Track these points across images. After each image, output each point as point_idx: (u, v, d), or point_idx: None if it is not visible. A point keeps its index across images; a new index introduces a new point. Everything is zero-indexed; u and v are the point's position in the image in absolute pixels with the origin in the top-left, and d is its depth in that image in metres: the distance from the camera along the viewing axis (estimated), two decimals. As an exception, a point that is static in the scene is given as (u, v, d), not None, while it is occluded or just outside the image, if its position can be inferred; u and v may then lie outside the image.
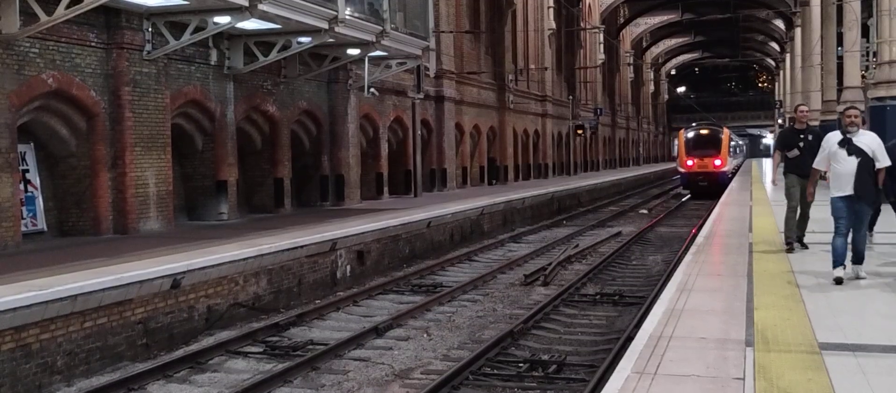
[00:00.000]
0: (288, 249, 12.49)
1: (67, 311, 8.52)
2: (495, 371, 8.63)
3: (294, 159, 19.84)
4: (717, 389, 5.24)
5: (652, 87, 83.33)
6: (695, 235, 16.26)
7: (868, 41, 25.92)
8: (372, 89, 20.92)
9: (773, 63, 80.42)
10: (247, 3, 13.37)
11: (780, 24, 61.23)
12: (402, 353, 9.59)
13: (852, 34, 24.87)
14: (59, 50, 12.92)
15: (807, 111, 12.43)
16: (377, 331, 10.46)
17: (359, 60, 19.86)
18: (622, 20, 64.46)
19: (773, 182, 12.30)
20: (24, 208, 13.05)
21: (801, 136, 11.36)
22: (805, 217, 11.46)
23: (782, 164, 11.66)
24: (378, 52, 19.68)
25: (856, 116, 9.02)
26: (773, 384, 5.25)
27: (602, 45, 53.61)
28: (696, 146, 37.15)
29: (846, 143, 8.87)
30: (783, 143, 11.78)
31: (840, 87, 27.31)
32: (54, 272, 9.34)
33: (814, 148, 9.97)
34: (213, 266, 10.79)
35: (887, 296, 8.19)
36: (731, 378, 5.43)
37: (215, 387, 8.45)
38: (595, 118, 50.57)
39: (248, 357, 9.59)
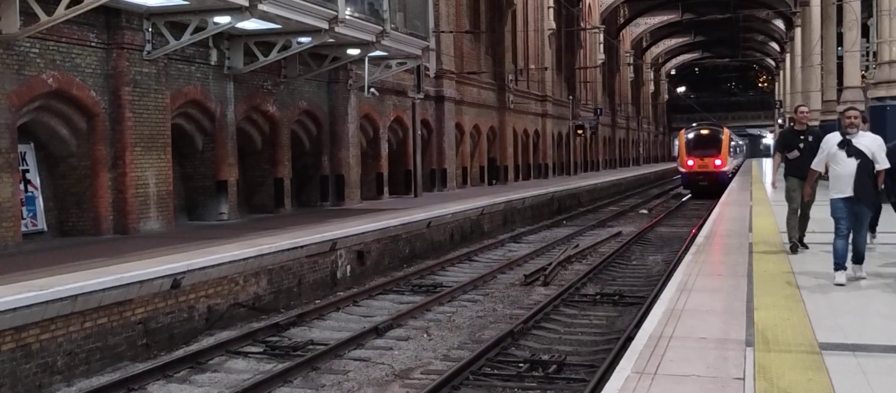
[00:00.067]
0: (288, 249, 12.49)
1: (67, 311, 8.52)
2: (495, 371, 8.63)
3: (294, 159, 19.84)
4: (718, 389, 5.24)
5: (652, 87, 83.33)
6: (695, 235, 16.26)
7: (868, 41, 25.90)
8: (372, 89, 20.92)
9: (773, 63, 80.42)
10: (247, 3, 13.37)
11: (780, 24, 61.23)
12: (403, 353, 9.59)
13: (852, 34, 24.87)
14: (59, 50, 12.92)
15: (807, 112, 12.40)
16: (377, 331, 10.47)
17: (359, 60, 19.87)
18: (622, 20, 64.47)
19: (774, 185, 12.15)
20: (24, 208, 13.05)
21: (801, 137, 11.30)
22: (805, 217, 11.43)
23: (782, 166, 11.61)
24: (378, 52, 19.68)
25: (856, 117, 8.99)
26: (774, 384, 5.25)
27: (602, 45, 53.61)
28: (696, 146, 37.35)
29: (846, 145, 8.84)
30: (783, 144, 11.71)
31: (840, 87, 27.31)
32: (54, 272, 9.34)
33: (814, 149, 9.93)
34: (213, 266, 10.79)
35: (888, 296, 8.19)
36: (731, 378, 5.43)
37: (215, 387, 8.45)
38: (595, 118, 50.57)
39: (248, 357, 9.59)
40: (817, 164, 9.38)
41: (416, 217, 17.58)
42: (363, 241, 14.93)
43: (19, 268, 9.79)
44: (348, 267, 14.36)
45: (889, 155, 9.22)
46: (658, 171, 58.79)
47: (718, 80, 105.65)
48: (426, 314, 11.75)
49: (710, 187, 34.73)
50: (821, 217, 11.47)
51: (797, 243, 11.22)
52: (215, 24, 14.17)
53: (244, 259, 11.44)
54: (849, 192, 8.75)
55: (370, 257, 15.21)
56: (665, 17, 67.18)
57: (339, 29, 16.13)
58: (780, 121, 57.15)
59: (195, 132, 16.81)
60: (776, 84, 77.34)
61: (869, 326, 6.95)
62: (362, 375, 8.67)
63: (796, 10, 43.25)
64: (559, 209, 29.37)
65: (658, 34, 74.54)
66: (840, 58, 28.98)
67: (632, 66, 68.90)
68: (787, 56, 54.70)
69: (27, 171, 13.37)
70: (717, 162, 36.57)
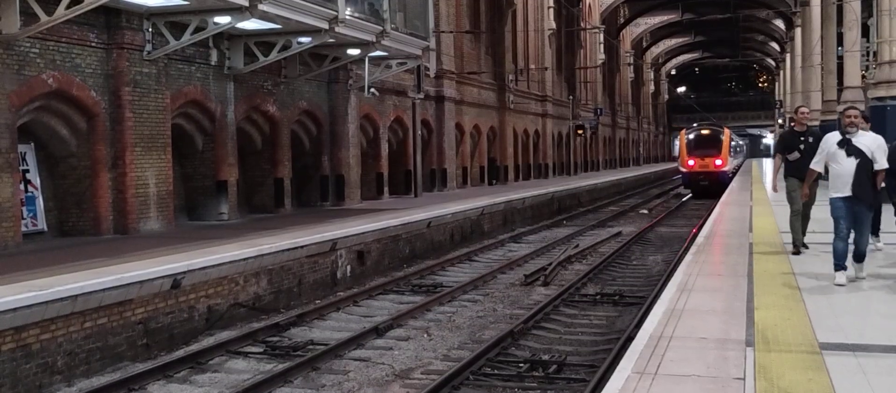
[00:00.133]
0: (288, 250, 12.49)
1: (68, 311, 8.52)
2: (496, 371, 8.63)
3: (294, 159, 19.84)
4: (718, 389, 5.24)
5: (652, 87, 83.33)
6: (695, 235, 16.26)
7: (868, 41, 25.91)
8: (372, 89, 20.92)
9: (773, 63, 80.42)
10: (247, 4, 13.37)
11: (780, 24, 61.24)
12: (403, 353, 9.59)
13: (852, 34, 24.86)
14: (59, 50, 12.92)
15: (807, 113, 12.34)
16: (377, 331, 10.46)
17: (359, 60, 19.87)
18: (622, 20, 64.47)
19: (774, 189, 12.09)
20: (24, 208, 13.05)
21: (802, 138, 11.25)
22: (805, 218, 11.38)
23: (782, 168, 11.56)
24: (378, 53, 19.69)
25: (855, 117, 8.94)
26: (774, 384, 5.25)
27: (602, 45, 53.61)
28: (697, 146, 37.58)
29: (845, 144, 8.80)
30: (783, 146, 11.67)
31: (840, 87, 27.31)
32: (55, 272, 9.34)
33: (814, 150, 9.85)
34: (213, 266, 10.79)
35: (888, 296, 8.19)
36: (731, 378, 5.43)
37: (216, 387, 8.45)
38: (595, 118, 50.58)
39: (248, 357, 9.59)
40: (816, 164, 9.32)
41: (416, 217, 17.58)
42: (363, 241, 14.93)
43: (19, 268, 9.79)
44: (348, 267, 14.36)
45: (890, 155, 9.19)
46: (658, 171, 58.78)
47: (718, 80, 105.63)
48: (426, 314, 11.75)
49: (711, 187, 34.91)
50: (821, 217, 11.47)
51: (800, 245, 11.16)
52: (215, 24, 14.16)
53: (244, 259, 11.44)
54: (847, 192, 8.71)
55: (370, 257, 15.21)
56: (665, 17, 67.18)
57: (339, 29, 16.13)
58: (780, 121, 57.16)
59: (195, 132, 16.81)
60: (776, 84, 77.36)
61: (869, 326, 6.95)
62: (362, 375, 8.67)
63: (796, 10, 43.27)
64: (559, 209, 29.37)
65: (658, 34, 74.54)
66: (840, 58, 28.99)
67: (632, 66, 68.89)
68: (788, 56, 54.72)
69: (27, 171, 13.37)
70: (718, 162, 36.81)
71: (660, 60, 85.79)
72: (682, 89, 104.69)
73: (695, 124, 44.28)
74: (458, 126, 29.89)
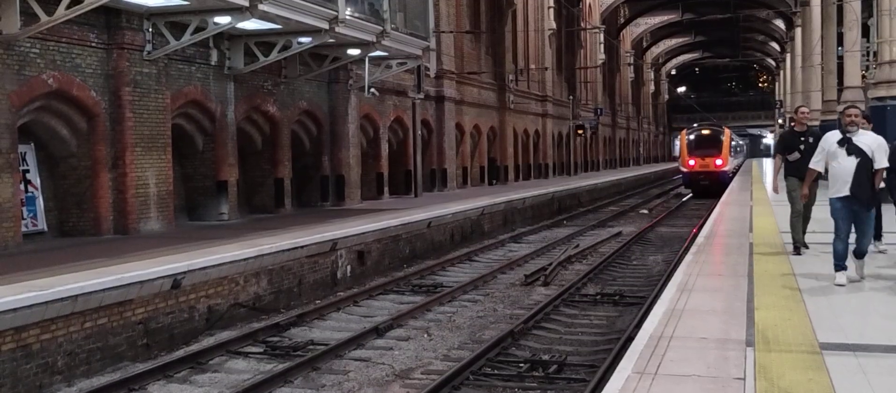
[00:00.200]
0: (288, 250, 12.49)
1: (68, 311, 8.52)
2: (496, 371, 8.63)
3: (294, 159, 19.84)
4: (718, 389, 5.24)
5: (652, 87, 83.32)
6: (695, 235, 16.26)
7: (868, 41, 25.91)
8: (372, 89, 20.92)
9: (773, 63, 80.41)
10: (247, 4, 13.37)
11: (780, 24, 61.23)
12: (403, 353, 9.59)
13: (852, 34, 24.85)
14: (59, 50, 12.93)
15: (807, 113, 12.30)
16: (378, 331, 10.46)
17: (359, 60, 19.87)
18: (622, 20, 64.46)
19: (775, 190, 12.02)
20: (24, 209, 13.05)
21: (802, 138, 11.20)
22: (806, 217, 11.33)
23: (782, 168, 11.53)
24: (378, 53, 19.69)
25: (856, 115, 8.89)
26: (774, 384, 5.25)
27: (602, 45, 53.61)
28: (697, 146, 37.85)
29: (846, 143, 8.75)
30: (783, 146, 11.62)
31: (840, 87, 27.30)
32: (55, 272, 9.34)
33: (814, 150, 9.83)
34: (213, 266, 10.79)
35: (888, 297, 8.18)
36: (731, 378, 5.43)
37: (216, 387, 8.45)
38: (595, 118, 50.59)
39: (248, 357, 9.59)
40: (816, 163, 9.22)
41: (416, 217, 17.58)
42: (363, 241, 14.93)
43: (20, 268, 9.79)
44: (349, 267, 14.37)
45: (891, 155, 9.15)
46: (658, 171, 58.79)
47: (719, 80, 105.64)
48: (426, 314, 11.75)
49: (711, 187, 35.10)
50: (821, 217, 11.44)
51: (800, 245, 11.14)
52: (215, 24, 14.17)
53: (244, 259, 11.44)
54: (845, 192, 8.67)
55: (370, 257, 15.21)
56: (665, 17, 67.17)
57: (339, 29, 16.13)
58: (780, 121, 57.16)
59: (195, 132, 16.81)
60: (776, 84, 77.34)
61: (869, 326, 6.95)
62: (363, 376, 8.67)
63: (796, 10, 43.27)
64: (559, 209, 29.37)
65: (658, 34, 74.53)
66: (840, 58, 28.98)
67: (632, 66, 68.89)
68: (788, 56, 54.71)
69: (27, 171, 13.37)
70: (718, 162, 37.08)
71: (660, 60, 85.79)
72: (682, 89, 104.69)
73: (695, 124, 44.68)
74: (458, 126, 29.89)
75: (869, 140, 8.78)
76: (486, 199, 23.40)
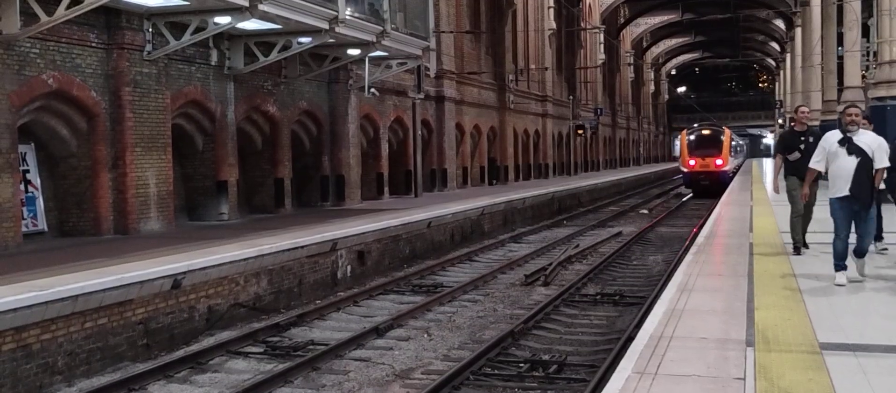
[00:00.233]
0: (288, 250, 12.49)
1: (68, 311, 8.52)
2: (496, 371, 8.63)
3: (294, 160, 19.84)
4: (718, 389, 5.24)
5: (652, 87, 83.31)
6: (695, 235, 16.26)
7: (868, 41, 25.91)
8: (372, 89, 20.92)
9: (773, 63, 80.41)
10: (247, 4, 13.37)
11: (780, 24, 61.22)
12: (403, 353, 9.59)
13: (852, 34, 24.86)
14: (59, 50, 12.93)
15: (807, 112, 12.27)
16: (378, 331, 10.46)
17: (359, 61, 19.87)
18: (622, 20, 64.46)
19: (776, 189, 11.93)
20: (24, 209, 13.05)
21: (802, 138, 11.16)
22: (807, 217, 11.27)
23: (783, 167, 11.50)
24: (378, 53, 19.69)
25: (856, 115, 8.87)
26: (774, 384, 5.25)
27: (602, 45, 53.61)
28: (698, 146, 38.19)
29: (846, 142, 8.73)
30: (784, 146, 11.58)
31: (840, 87, 27.31)
32: (55, 273, 9.34)
33: (815, 149, 9.80)
34: (213, 266, 10.79)
35: (889, 297, 8.18)
36: (731, 378, 5.43)
37: (216, 387, 8.45)
38: (595, 118, 50.61)
39: (248, 357, 9.59)
40: (817, 163, 9.15)
41: (416, 217, 17.58)
42: (364, 241, 14.93)
43: (20, 268, 9.79)
44: (349, 267, 14.37)
45: (892, 154, 9.14)
46: (658, 171, 58.81)
47: (719, 80, 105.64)
48: (427, 314, 11.75)
49: (712, 187, 35.35)
50: (821, 217, 11.43)
51: (800, 245, 11.12)
52: (215, 24, 14.17)
53: (245, 259, 11.44)
54: (845, 192, 8.67)
55: (371, 257, 15.21)
56: (665, 17, 67.17)
57: (339, 29, 16.13)
58: (780, 121, 57.17)
59: (195, 132, 16.81)
60: (776, 84, 77.35)
61: (870, 326, 6.95)
62: (363, 376, 8.67)
63: (796, 10, 43.27)
64: (559, 209, 29.37)
65: (658, 34, 74.53)
66: (840, 58, 28.99)
67: (632, 66, 68.89)
68: (788, 56, 54.71)
69: (27, 171, 13.37)
70: (718, 162, 37.41)
71: (660, 60, 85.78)
72: (682, 89, 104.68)
73: (695, 125, 45.15)
74: (458, 126, 29.89)
75: (869, 140, 8.77)
76: (486, 199, 23.40)
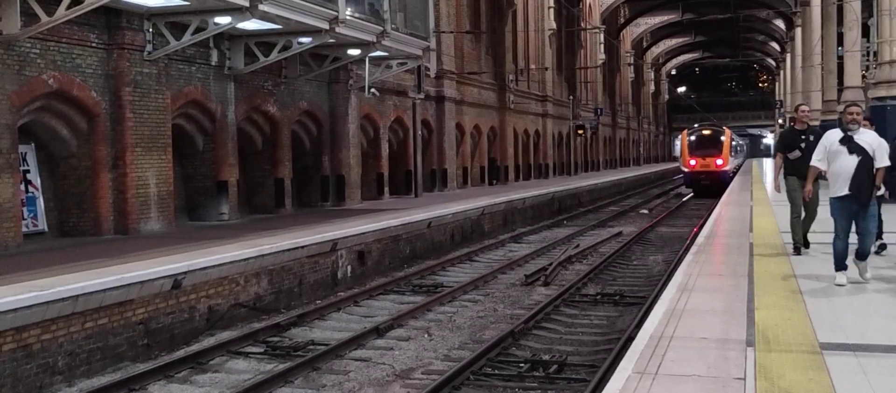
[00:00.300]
0: (289, 250, 12.49)
1: (68, 311, 8.53)
2: (496, 371, 8.63)
3: (295, 160, 19.84)
4: (718, 389, 5.24)
5: (652, 87, 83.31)
6: (696, 235, 16.26)
7: (868, 41, 25.92)
8: (372, 90, 20.93)
9: (773, 63, 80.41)
10: (247, 4, 13.37)
11: (780, 24, 61.24)
12: (403, 353, 9.59)
13: (853, 34, 24.87)
14: (59, 50, 12.93)
15: (808, 111, 12.23)
16: (378, 331, 10.46)
17: (359, 61, 19.87)
18: (622, 20, 64.46)
19: (776, 188, 11.77)
20: (24, 209, 13.05)
21: (803, 136, 11.08)
22: (810, 217, 11.20)
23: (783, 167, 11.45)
24: (379, 53, 19.69)
25: (857, 114, 8.84)
26: (775, 384, 5.25)
27: (602, 46, 53.62)
28: (698, 146, 38.54)
29: (847, 141, 8.71)
30: (784, 144, 11.49)
31: (840, 86, 27.33)
32: (55, 273, 9.34)
33: (815, 148, 9.76)
34: (214, 266, 10.79)
35: (889, 297, 8.17)
36: (732, 378, 5.43)
37: (216, 387, 8.45)
38: (595, 118, 50.62)
39: (249, 357, 9.59)
40: (818, 161, 9.08)
41: (416, 217, 17.58)
42: (364, 241, 14.93)
43: (20, 268, 9.79)
44: (349, 267, 14.37)
45: (892, 153, 9.12)
46: (658, 171, 58.82)
47: (719, 80, 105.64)
48: (427, 314, 11.76)
49: (712, 186, 35.62)
50: (821, 217, 11.42)
51: (800, 245, 11.10)
52: (216, 24, 14.17)
53: (245, 259, 11.44)
54: (845, 191, 8.66)
55: (371, 257, 15.21)
56: (665, 17, 67.17)
57: (339, 29, 16.14)
58: (780, 121, 57.18)
59: (196, 132, 16.81)
60: (777, 84, 77.35)
61: (870, 326, 6.95)
62: (363, 376, 8.67)
63: (797, 10, 43.30)
64: (560, 209, 29.37)
65: (658, 34, 74.53)
66: (840, 57, 29.02)
67: (632, 66, 68.90)
68: (788, 56, 54.73)
69: (28, 171, 13.37)
70: (719, 162, 37.78)
71: (660, 60, 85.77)
72: (682, 89, 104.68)
73: (696, 125, 45.69)
74: (458, 126, 29.89)
75: (870, 139, 8.75)
76: (486, 199, 23.40)
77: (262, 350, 9.84)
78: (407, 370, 8.89)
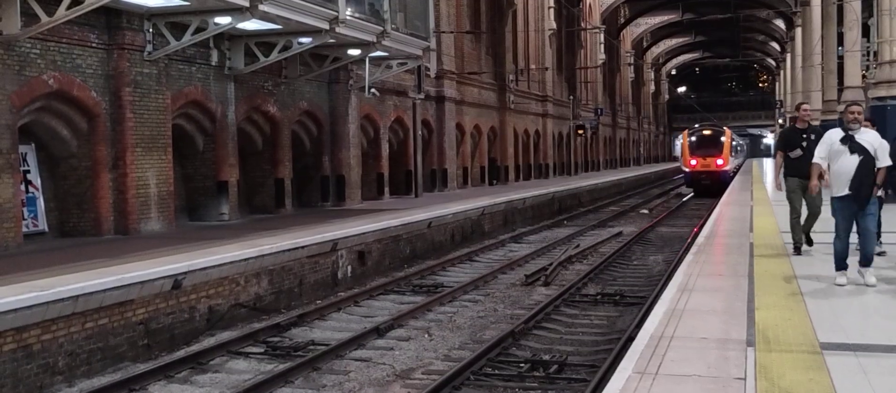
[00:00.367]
0: (289, 250, 12.49)
1: (69, 311, 8.53)
2: (496, 371, 8.63)
3: (295, 160, 19.84)
4: (719, 389, 5.24)
5: (652, 87, 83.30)
6: (696, 235, 16.26)
7: (869, 41, 25.91)
8: (373, 90, 20.93)
9: (773, 63, 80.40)
10: (247, 4, 13.37)
11: (780, 23, 61.22)
12: (404, 353, 9.59)
13: (853, 34, 24.87)
14: (60, 51, 12.93)
15: (810, 110, 12.15)
16: (378, 331, 10.47)
17: (359, 61, 19.87)
18: (622, 20, 64.44)
19: (778, 187, 11.57)
20: (25, 209, 13.05)
21: (804, 135, 11.01)
22: (813, 215, 11.11)
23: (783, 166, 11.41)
24: (379, 53, 19.69)
25: (858, 113, 8.84)
26: (775, 384, 5.25)
27: (602, 46, 53.61)
28: (699, 146, 38.93)
29: (848, 141, 8.70)
30: (785, 143, 11.40)
31: (841, 86, 27.33)
32: (56, 273, 9.34)
33: (816, 147, 9.71)
34: (214, 267, 10.79)
35: (889, 297, 8.17)
36: (732, 378, 5.43)
37: (216, 387, 8.46)
38: (595, 118, 50.63)
39: (249, 357, 9.59)
40: (821, 158, 9.02)
41: (416, 217, 17.58)
42: (364, 241, 14.93)
43: (20, 268, 9.79)
44: (349, 267, 14.37)
45: (892, 152, 9.12)
46: (659, 171, 58.82)
47: (719, 80, 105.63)
48: (427, 314, 11.76)
49: (712, 186, 35.90)
50: (823, 216, 11.41)
51: (801, 245, 11.08)
52: (216, 24, 14.17)
53: (245, 259, 11.44)
54: (845, 191, 8.66)
55: (371, 258, 15.21)
56: (665, 17, 67.16)
57: (339, 29, 16.14)
58: (780, 121, 57.18)
59: (196, 133, 16.81)
60: (777, 84, 77.33)
61: (870, 326, 6.95)
62: (363, 376, 8.67)
63: (797, 9, 43.29)
64: (560, 209, 29.37)
65: (658, 34, 74.52)
66: (841, 57, 29.02)
67: (632, 66, 68.88)
68: (788, 56, 54.72)
69: (28, 171, 13.38)
70: (719, 161, 38.21)
71: (660, 60, 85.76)
72: (682, 89, 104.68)
73: (697, 125, 46.24)
74: (458, 126, 29.89)
75: (871, 138, 8.74)
76: (486, 199, 23.40)
77: (262, 350, 9.84)
78: (407, 370, 8.89)
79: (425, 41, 21.52)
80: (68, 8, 11.79)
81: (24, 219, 12.87)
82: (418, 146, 25.46)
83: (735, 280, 9.20)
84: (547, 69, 41.86)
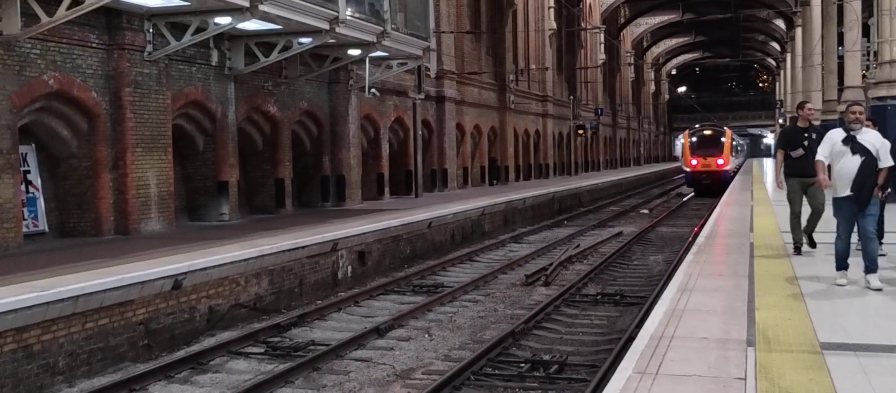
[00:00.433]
0: (289, 250, 12.49)
1: (69, 312, 8.53)
2: (497, 371, 8.63)
3: (295, 160, 19.84)
4: (719, 389, 5.24)
5: (653, 87, 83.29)
6: (696, 235, 16.25)
7: (869, 41, 25.90)
8: (373, 90, 20.92)
9: (773, 63, 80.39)
10: (248, 4, 13.37)
11: (780, 23, 61.21)
12: (404, 353, 9.59)
13: (853, 34, 24.87)
14: (60, 51, 12.93)
15: (812, 109, 12.01)
16: (378, 331, 10.47)
17: (360, 61, 19.87)
18: (623, 20, 64.44)
19: (779, 185, 11.41)
20: (25, 209, 13.05)
21: (805, 134, 10.88)
22: (816, 215, 11.04)
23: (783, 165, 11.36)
24: (379, 53, 19.69)
25: (859, 113, 8.82)
26: (775, 384, 5.25)
27: (603, 46, 53.62)
28: (699, 146, 39.18)
29: (850, 141, 8.67)
30: (786, 141, 11.24)
31: (841, 86, 27.33)
32: (56, 273, 9.34)
33: (818, 147, 9.65)
34: (214, 267, 10.80)
35: (890, 297, 8.17)
36: (732, 378, 5.43)
37: (217, 387, 8.46)
38: (596, 118, 50.63)
39: (249, 358, 9.59)
40: (824, 156, 8.93)
41: (417, 217, 17.58)
42: (364, 241, 14.93)
43: (21, 269, 9.79)
44: (349, 267, 14.37)
45: (893, 151, 9.11)
46: (659, 171, 58.82)
47: (719, 79, 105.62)
48: (427, 314, 11.76)
49: (713, 186, 36.10)
50: (824, 216, 11.40)
51: (801, 245, 11.06)
52: (216, 24, 14.17)
53: (245, 260, 11.44)
54: (847, 192, 8.65)
55: (371, 258, 15.21)
56: (665, 17, 67.15)
57: (339, 29, 16.14)
58: (780, 120, 57.18)
59: (196, 133, 16.81)
60: (777, 84, 77.33)
61: (870, 326, 6.95)
62: (364, 376, 8.67)
63: (797, 9, 43.29)
64: (560, 209, 29.37)
65: (658, 34, 74.51)
66: (841, 57, 29.02)
67: (632, 66, 68.87)
68: (788, 56, 54.71)
69: (28, 172, 13.38)
70: (720, 161, 38.48)
71: (660, 60, 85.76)
72: (682, 89, 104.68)
73: (697, 125, 46.57)
74: (458, 126, 29.89)
75: (872, 138, 8.72)
76: (486, 199, 23.40)
77: (262, 350, 9.84)
78: (407, 370, 8.89)
79: (425, 41, 21.52)
80: (68, 8, 11.79)
81: (24, 219, 12.87)
82: (418, 146, 25.46)
83: (735, 280, 9.20)
84: (547, 69, 41.86)
